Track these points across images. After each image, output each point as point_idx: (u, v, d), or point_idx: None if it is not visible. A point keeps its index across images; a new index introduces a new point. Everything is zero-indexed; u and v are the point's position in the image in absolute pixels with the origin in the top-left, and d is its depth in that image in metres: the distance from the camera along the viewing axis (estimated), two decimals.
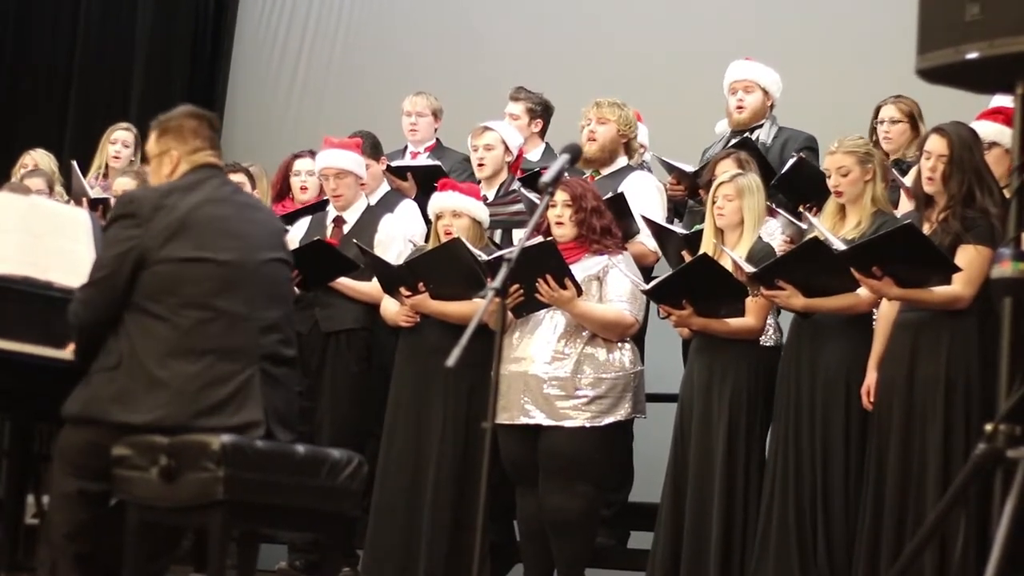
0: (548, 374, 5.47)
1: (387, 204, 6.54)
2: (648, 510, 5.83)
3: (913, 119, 6.05)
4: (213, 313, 3.99)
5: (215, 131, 4.30)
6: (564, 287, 5.41)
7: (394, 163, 6.90)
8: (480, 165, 6.51)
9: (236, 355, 3.99)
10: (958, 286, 4.90)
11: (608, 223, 5.62)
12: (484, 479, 3.64)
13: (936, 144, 5.01)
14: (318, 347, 6.23)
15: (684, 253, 5.77)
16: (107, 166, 7.77)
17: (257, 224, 4.20)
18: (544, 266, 5.38)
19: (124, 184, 6.90)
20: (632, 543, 6.54)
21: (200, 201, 4.08)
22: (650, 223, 5.92)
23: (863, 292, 5.15)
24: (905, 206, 5.54)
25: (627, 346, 5.58)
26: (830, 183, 5.38)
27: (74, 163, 7.46)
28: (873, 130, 6.13)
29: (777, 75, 6.52)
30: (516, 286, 5.42)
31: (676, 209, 6.63)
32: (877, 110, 6.16)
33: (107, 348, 4.03)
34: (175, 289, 3.97)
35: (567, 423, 5.44)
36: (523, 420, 5.48)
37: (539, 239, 5.53)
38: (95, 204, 6.83)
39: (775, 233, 5.77)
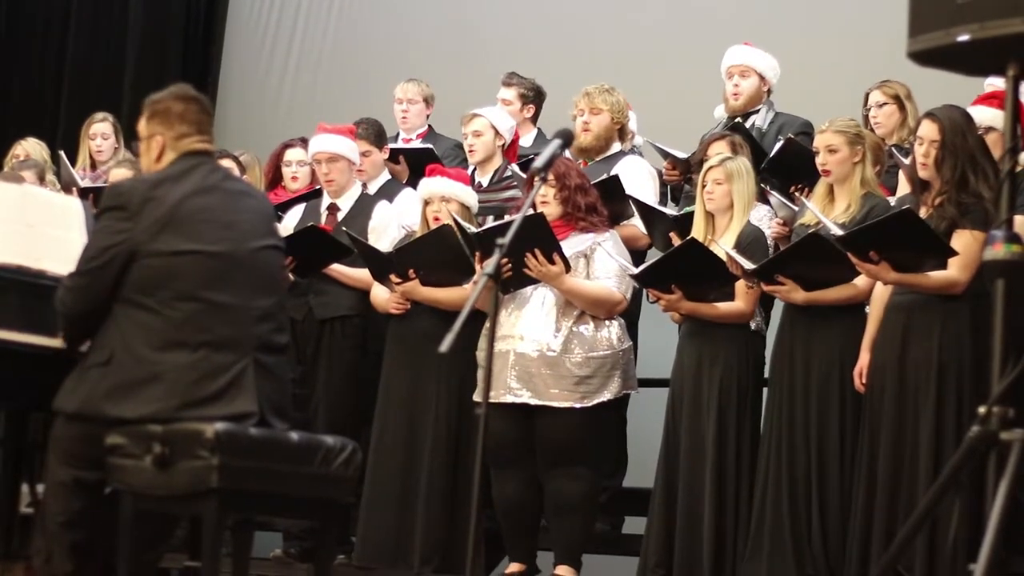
0: (538, 352, 5.47)
1: (385, 192, 6.53)
2: (642, 495, 5.84)
3: (899, 100, 6.06)
4: (205, 305, 3.96)
5: (206, 113, 4.21)
6: (552, 262, 5.41)
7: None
8: (471, 151, 6.51)
9: (230, 346, 3.97)
10: (954, 271, 4.91)
11: (593, 201, 5.62)
12: (478, 465, 3.64)
13: (928, 129, 5.01)
14: (313, 334, 6.23)
15: (673, 235, 5.78)
16: (92, 159, 7.75)
17: (248, 211, 4.15)
18: (532, 240, 5.37)
19: (121, 175, 6.90)
20: (626, 528, 6.55)
21: (189, 191, 4.04)
22: (638, 204, 5.92)
23: (861, 282, 5.16)
24: (905, 190, 5.54)
25: (615, 323, 5.58)
26: (818, 161, 5.39)
27: (62, 153, 7.44)
28: (865, 118, 6.15)
29: (774, 61, 6.52)
30: (504, 260, 5.41)
31: (672, 193, 6.64)
32: (866, 98, 6.18)
33: (98, 342, 4.01)
34: (166, 283, 3.95)
35: (556, 403, 5.44)
36: (509, 399, 5.47)
37: (528, 212, 5.52)
38: (85, 193, 6.82)
39: (763, 218, 5.77)
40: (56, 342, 4.23)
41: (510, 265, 5.43)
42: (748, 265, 5.24)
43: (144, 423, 3.91)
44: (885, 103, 6.08)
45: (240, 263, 4.05)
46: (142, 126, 4.20)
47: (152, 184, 4.07)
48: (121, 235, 3.98)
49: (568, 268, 5.45)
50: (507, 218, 6.06)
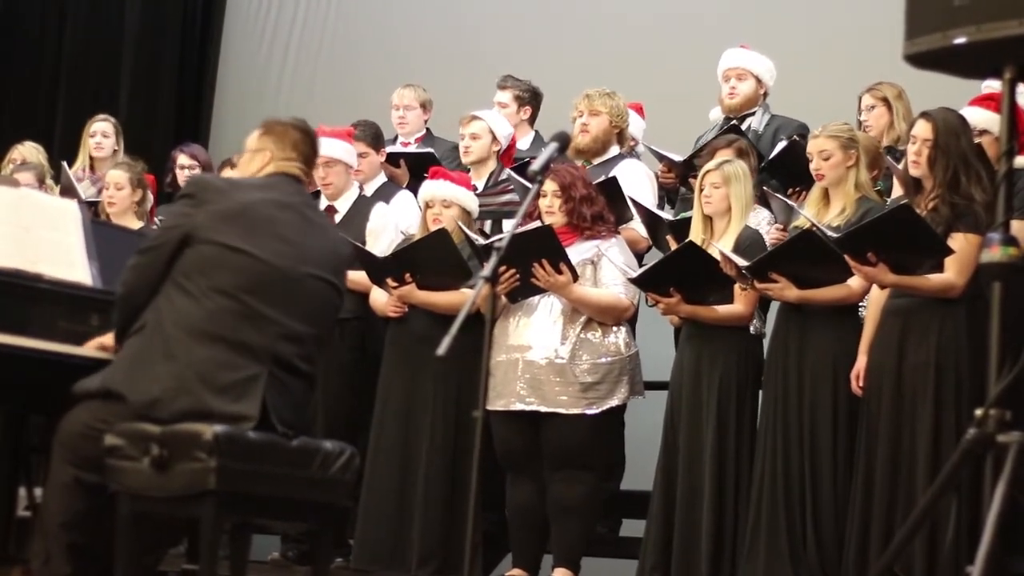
0: (546, 360, 5.48)
1: (382, 194, 6.54)
2: (640, 498, 5.84)
3: (887, 102, 6.09)
4: (239, 305, 3.98)
5: (315, 153, 4.35)
6: (560, 272, 5.43)
7: (387, 149, 6.90)
8: (466, 152, 6.51)
9: (248, 350, 3.97)
10: (951, 274, 4.91)
11: (600, 209, 5.64)
12: (475, 468, 3.64)
13: (921, 128, 5.03)
14: None
15: (669, 238, 5.79)
16: (91, 158, 7.76)
17: (317, 242, 4.17)
18: (540, 251, 5.40)
19: (116, 177, 6.91)
20: (624, 531, 6.54)
21: (266, 199, 4.11)
22: (640, 208, 5.93)
23: (854, 283, 5.16)
24: (899, 194, 5.54)
25: (622, 329, 5.59)
26: (812, 167, 5.41)
27: (64, 164, 7.44)
28: (859, 122, 6.17)
29: (771, 63, 6.54)
30: (512, 271, 5.43)
31: (668, 197, 6.64)
32: (860, 102, 6.20)
33: (142, 316, 4.05)
34: (210, 272, 3.99)
35: (566, 410, 5.45)
36: (519, 407, 5.49)
37: (535, 224, 5.54)
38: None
39: (761, 223, 5.77)
40: (52, 346, 4.24)
41: (518, 275, 5.45)
42: (741, 262, 5.24)
43: (147, 407, 3.91)
44: (874, 106, 6.13)
45: (286, 280, 4.07)
46: (251, 141, 4.29)
47: (234, 183, 4.19)
48: (182, 219, 4.05)
49: (576, 277, 5.46)
50: (509, 222, 6.08)
